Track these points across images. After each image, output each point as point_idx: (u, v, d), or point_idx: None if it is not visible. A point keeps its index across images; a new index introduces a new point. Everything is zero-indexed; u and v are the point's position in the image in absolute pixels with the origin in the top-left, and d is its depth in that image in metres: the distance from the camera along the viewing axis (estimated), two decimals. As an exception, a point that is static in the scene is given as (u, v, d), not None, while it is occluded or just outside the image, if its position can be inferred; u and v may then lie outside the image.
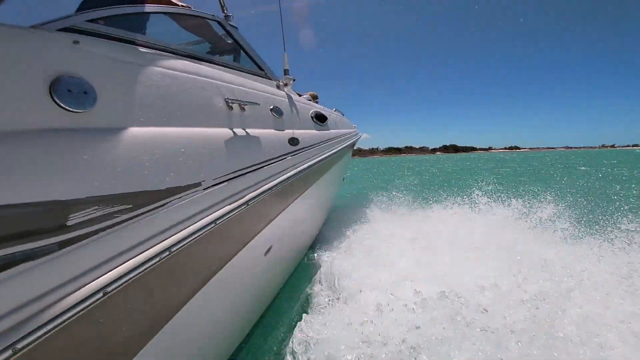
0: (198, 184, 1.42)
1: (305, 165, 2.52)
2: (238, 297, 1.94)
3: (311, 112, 3.09)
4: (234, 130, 1.82)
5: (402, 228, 4.33)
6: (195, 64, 1.76)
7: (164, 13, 1.96)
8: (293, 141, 2.42)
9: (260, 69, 2.56)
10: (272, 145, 2.12)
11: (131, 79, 1.32)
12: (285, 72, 2.77)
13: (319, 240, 4.20)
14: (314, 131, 3.00)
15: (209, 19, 2.26)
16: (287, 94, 2.69)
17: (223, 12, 2.42)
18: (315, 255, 3.64)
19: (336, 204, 6.19)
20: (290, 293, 2.94)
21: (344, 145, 3.97)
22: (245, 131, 1.92)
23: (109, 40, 1.37)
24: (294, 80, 2.74)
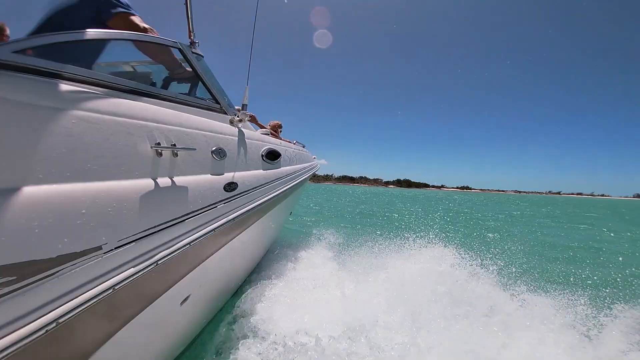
0: (98, 248, 1.33)
1: (238, 213, 2.41)
2: (142, 353, 1.84)
3: (263, 149, 2.98)
4: (157, 180, 1.68)
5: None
6: (131, 102, 1.64)
7: (119, 39, 1.86)
8: (230, 186, 2.31)
9: (217, 102, 2.46)
10: (201, 194, 2.01)
11: (40, 128, 1.22)
12: (243, 107, 2.63)
13: (254, 277, 4.16)
14: (261, 171, 2.90)
15: (170, 46, 2.19)
16: (240, 130, 2.58)
17: (189, 37, 2.32)
18: (244, 295, 3.56)
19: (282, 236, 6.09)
20: (208, 337, 2.90)
21: (293, 184, 3.88)
22: (172, 180, 1.78)
23: (31, 76, 1.26)
24: (250, 116, 2.65)
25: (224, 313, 3.32)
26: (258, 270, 4.42)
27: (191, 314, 2.35)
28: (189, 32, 2.32)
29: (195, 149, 1.97)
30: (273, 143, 3.42)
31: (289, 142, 5.45)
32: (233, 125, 2.54)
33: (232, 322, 3.09)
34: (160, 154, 1.71)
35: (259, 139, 3.05)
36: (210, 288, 2.58)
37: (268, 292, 3.56)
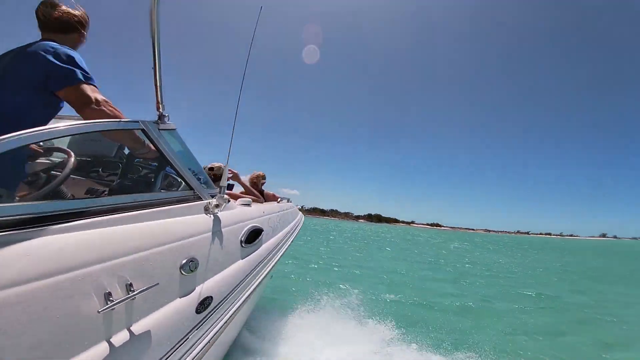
0: None
1: (214, 332, 1.98)
2: None
3: (243, 232, 2.52)
4: (112, 340, 1.26)
5: None
6: (67, 238, 1.18)
7: (62, 137, 1.39)
8: (203, 304, 1.88)
9: (189, 186, 2.05)
10: (167, 332, 1.58)
11: None
12: (221, 189, 2.20)
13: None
14: (239, 263, 2.42)
15: (131, 129, 1.77)
16: (216, 217, 2.14)
17: (158, 109, 1.90)
18: None
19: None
20: None
21: (277, 260, 3.41)
22: (129, 331, 1.35)
23: None
24: (228, 201, 2.19)
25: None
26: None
27: None
28: (157, 103, 1.87)
29: (158, 284, 1.51)
30: (255, 217, 2.94)
31: (273, 196, 5.10)
32: (208, 213, 2.09)
33: None
34: (113, 308, 1.27)
35: (239, 220, 2.57)
36: None
37: None
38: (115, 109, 1.67)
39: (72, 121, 1.39)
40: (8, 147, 1.04)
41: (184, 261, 1.72)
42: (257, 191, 4.83)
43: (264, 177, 5.14)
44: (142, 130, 1.76)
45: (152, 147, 1.85)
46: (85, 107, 1.59)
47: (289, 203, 5.19)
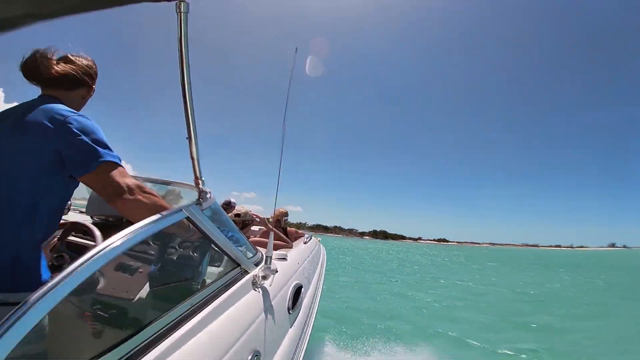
0: None
1: None
2: None
3: (288, 298, 2.26)
4: None
5: None
6: None
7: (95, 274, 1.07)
8: None
9: (235, 262, 1.81)
10: None
11: None
12: (267, 260, 1.95)
13: None
14: (290, 333, 2.21)
15: (176, 221, 1.41)
16: (264, 290, 1.92)
17: (197, 185, 1.64)
18: None
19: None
20: None
21: (314, 315, 3.17)
22: None
23: None
24: (276, 271, 1.95)
25: None
26: None
27: None
28: (196, 178, 1.62)
29: None
30: (293, 273, 2.77)
31: (296, 232, 4.94)
32: (256, 288, 1.86)
33: None
34: None
35: (282, 283, 2.42)
36: None
37: None
38: (152, 194, 1.35)
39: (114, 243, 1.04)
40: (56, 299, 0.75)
41: (249, 359, 1.52)
42: (279, 229, 4.65)
43: (286, 215, 4.95)
44: (187, 218, 1.47)
45: (197, 231, 1.57)
46: (117, 197, 1.26)
47: (313, 240, 4.95)
